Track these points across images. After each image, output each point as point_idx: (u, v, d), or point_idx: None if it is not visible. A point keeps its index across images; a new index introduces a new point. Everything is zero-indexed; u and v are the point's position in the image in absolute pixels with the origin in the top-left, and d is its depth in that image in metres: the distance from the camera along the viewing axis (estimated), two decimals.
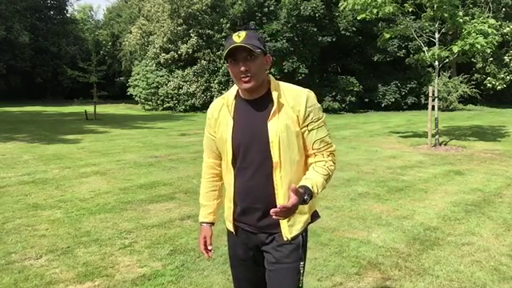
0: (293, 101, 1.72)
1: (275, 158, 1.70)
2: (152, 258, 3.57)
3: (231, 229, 1.87)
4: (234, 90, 1.81)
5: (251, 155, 1.74)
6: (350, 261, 3.51)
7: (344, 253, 3.67)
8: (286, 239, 1.74)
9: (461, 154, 9.08)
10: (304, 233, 1.80)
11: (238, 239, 1.87)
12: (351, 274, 3.29)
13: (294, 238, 1.75)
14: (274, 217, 1.52)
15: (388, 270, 3.37)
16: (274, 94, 1.72)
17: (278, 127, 1.69)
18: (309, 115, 1.72)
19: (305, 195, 1.60)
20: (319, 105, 1.78)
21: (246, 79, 1.68)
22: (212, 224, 1.97)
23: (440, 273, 3.32)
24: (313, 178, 1.68)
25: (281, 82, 1.80)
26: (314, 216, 1.87)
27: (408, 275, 3.28)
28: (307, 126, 1.73)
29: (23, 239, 3.98)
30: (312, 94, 1.76)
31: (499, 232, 4.26)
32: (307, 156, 1.79)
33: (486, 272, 3.35)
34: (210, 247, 1.93)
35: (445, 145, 10.36)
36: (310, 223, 1.84)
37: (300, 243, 1.77)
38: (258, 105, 1.75)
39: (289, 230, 1.74)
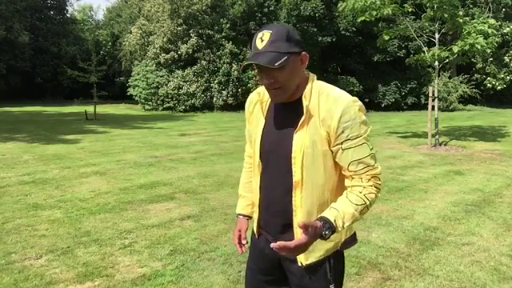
0: (325, 112, 1.41)
1: (296, 177, 1.45)
2: (152, 258, 3.57)
3: (255, 230, 1.69)
4: None
5: (272, 165, 1.53)
6: (349, 261, 3.50)
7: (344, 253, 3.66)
8: (300, 264, 1.51)
9: (461, 154, 9.08)
10: (331, 258, 1.54)
11: (259, 248, 1.68)
12: (351, 274, 3.29)
13: (309, 266, 1.51)
14: (281, 252, 1.29)
15: (388, 269, 3.37)
16: (305, 101, 1.43)
17: (304, 142, 1.42)
18: (343, 132, 1.40)
19: (323, 230, 1.32)
20: (363, 118, 1.43)
21: (273, 91, 1.44)
22: (249, 217, 1.77)
23: (440, 273, 3.32)
24: (340, 209, 1.39)
25: (321, 85, 1.49)
26: (348, 242, 1.59)
27: (408, 275, 3.28)
28: (341, 144, 1.41)
29: (23, 239, 3.97)
30: (355, 105, 1.42)
31: (499, 232, 4.26)
32: (345, 177, 1.49)
33: (486, 272, 3.34)
34: (243, 241, 1.74)
35: (445, 145, 10.36)
36: (339, 250, 1.58)
37: (326, 269, 1.54)
38: (290, 110, 1.48)
39: (304, 255, 1.47)
